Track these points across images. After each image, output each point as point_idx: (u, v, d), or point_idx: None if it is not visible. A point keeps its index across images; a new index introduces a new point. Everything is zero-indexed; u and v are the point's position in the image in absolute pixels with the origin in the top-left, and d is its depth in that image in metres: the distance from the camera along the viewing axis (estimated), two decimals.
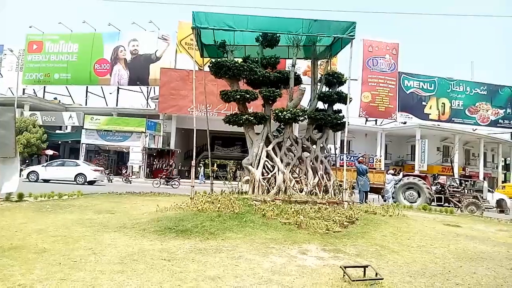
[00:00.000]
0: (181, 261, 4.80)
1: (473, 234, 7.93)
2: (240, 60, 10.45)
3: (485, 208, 14.70)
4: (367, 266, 4.48)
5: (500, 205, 14.98)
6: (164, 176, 24.55)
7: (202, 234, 6.27)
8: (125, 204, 10.28)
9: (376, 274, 4.34)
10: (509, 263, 5.60)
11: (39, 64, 38.57)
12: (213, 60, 10.17)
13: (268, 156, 9.79)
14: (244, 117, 9.88)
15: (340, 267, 4.51)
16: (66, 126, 35.97)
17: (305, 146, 10.43)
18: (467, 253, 6.10)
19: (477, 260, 5.67)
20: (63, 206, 9.21)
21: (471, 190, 16.58)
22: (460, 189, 16.78)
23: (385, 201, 17.05)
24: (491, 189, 19.98)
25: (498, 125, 43.17)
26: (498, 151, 43.85)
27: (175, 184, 23.40)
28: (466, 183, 17.66)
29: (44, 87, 40.49)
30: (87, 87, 40.37)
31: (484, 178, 35.11)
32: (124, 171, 30.14)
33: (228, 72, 9.79)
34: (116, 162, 36.76)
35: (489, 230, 8.93)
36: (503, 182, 42.21)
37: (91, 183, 21.23)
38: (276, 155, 9.79)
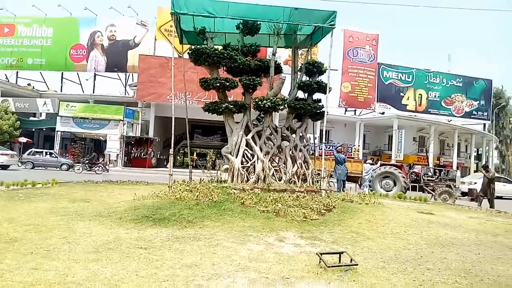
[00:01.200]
0: (158, 249, 4.77)
1: (445, 221, 8.19)
2: (220, 47, 10.32)
3: (457, 196, 15.21)
4: (342, 253, 4.56)
5: (471, 194, 15.49)
6: (86, 161, 23.36)
7: (180, 222, 6.24)
8: (101, 192, 10.12)
9: (351, 260, 4.43)
10: (477, 249, 5.82)
11: (11, 48, 37.01)
12: (193, 47, 10.00)
13: (247, 144, 9.77)
14: (223, 106, 9.80)
15: (316, 253, 4.57)
16: (41, 113, 34.88)
17: (284, 135, 10.45)
18: (438, 240, 6.29)
19: (448, 246, 5.87)
20: (36, 195, 8.99)
21: (445, 179, 17.10)
22: (434, 178, 17.27)
23: (361, 188, 17.34)
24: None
25: (472, 116, 44.50)
26: (471, 141, 45.23)
27: (98, 169, 22.50)
28: (440, 172, 18.22)
29: (17, 72, 38.95)
30: (62, 73, 39.11)
31: (457, 168, 36.20)
32: (101, 160, 29.58)
33: (207, 59, 9.65)
34: (92, 150, 35.98)
35: (460, 217, 9.24)
36: (475, 171, 43.60)
37: (4, 167, 20.80)
38: (256, 144, 9.78)
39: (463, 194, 15.97)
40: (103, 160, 29.17)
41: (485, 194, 13.63)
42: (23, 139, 31.06)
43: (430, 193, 15.72)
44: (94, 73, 38.21)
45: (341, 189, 14.34)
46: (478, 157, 49.72)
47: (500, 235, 7.07)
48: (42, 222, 6.01)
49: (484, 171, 14.38)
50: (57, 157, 25.47)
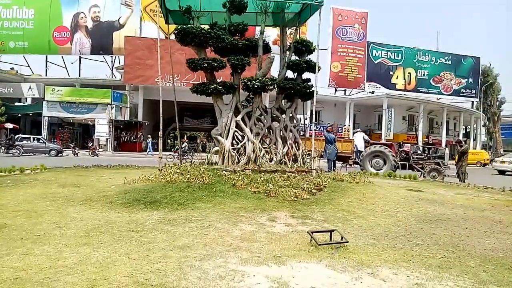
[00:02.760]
0: (150, 232, 4.77)
1: (433, 198, 8.33)
2: (206, 27, 10.11)
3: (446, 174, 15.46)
4: (333, 231, 4.60)
5: None
6: (3, 142, 22.83)
7: (171, 205, 6.23)
8: (91, 177, 10.03)
9: (342, 238, 4.49)
10: (465, 224, 5.93)
11: None
12: (179, 27, 9.78)
13: (237, 126, 9.71)
14: (212, 87, 9.66)
15: (308, 232, 4.61)
16: (26, 98, 34.19)
17: (274, 115, 10.39)
18: (427, 216, 6.40)
19: (436, 222, 5.97)
20: (25, 181, 8.88)
21: (434, 157, 17.34)
22: (423, 156, 17.51)
23: (361, 166, 17.27)
24: None
25: (460, 94, 44.90)
26: (459, 119, 45.77)
27: (16, 152, 22.01)
28: (429, 150, 18.45)
29: None
30: (46, 56, 38.20)
31: (446, 146, 36.70)
32: (90, 144, 29.31)
33: (194, 39, 9.46)
34: (81, 135, 35.58)
35: (449, 194, 9.40)
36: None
37: None
38: (246, 125, 9.72)
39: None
40: (92, 144, 28.90)
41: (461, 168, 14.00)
42: (9, 125, 30.53)
43: (420, 171, 15.95)
44: (79, 56, 37.39)
45: (332, 169, 14.45)
46: (467, 134, 50.44)
47: (487, 210, 7.22)
48: (32, 208, 5.95)
49: (458, 146, 14.69)
50: (45, 143, 25.14)
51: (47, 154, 23.76)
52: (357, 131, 20.20)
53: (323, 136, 17.61)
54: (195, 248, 4.17)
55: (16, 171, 10.65)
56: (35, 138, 25.38)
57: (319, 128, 34.73)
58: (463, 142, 15.13)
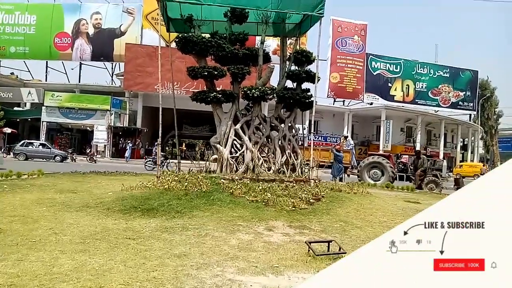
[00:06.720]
0: (147, 239, 4.74)
1: None
2: (207, 35, 10.18)
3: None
4: (331, 241, 4.59)
5: (457, 183, 15.76)
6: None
7: (168, 212, 6.20)
8: (89, 183, 9.99)
9: (340, 248, 4.47)
10: None
11: None
12: (180, 35, 9.85)
13: (236, 134, 9.72)
14: (212, 95, 9.70)
15: (305, 242, 4.59)
16: (25, 103, 34.18)
17: (273, 125, 10.42)
18: None
19: None
20: (22, 186, 8.83)
21: (432, 169, 17.34)
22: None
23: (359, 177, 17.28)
24: None
25: (458, 107, 45.11)
26: (457, 132, 45.86)
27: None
28: (427, 162, 18.46)
29: None
30: (47, 62, 38.26)
31: (443, 158, 36.74)
32: (88, 151, 29.24)
33: (195, 47, 9.52)
34: (79, 141, 35.48)
35: None
36: (461, 161, 44.37)
37: None
38: (245, 134, 9.73)
39: None
40: (90, 151, 28.84)
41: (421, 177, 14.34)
42: (7, 130, 30.46)
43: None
44: (80, 62, 37.48)
45: (336, 177, 14.52)
46: (464, 147, 50.52)
47: None
48: (28, 213, 5.91)
49: (416, 157, 15.02)
50: (50, 148, 25.13)
51: (52, 160, 23.70)
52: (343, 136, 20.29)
53: (332, 152, 17.77)
54: (192, 256, 4.14)
55: (13, 176, 10.60)
56: (40, 144, 25.40)
57: (318, 138, 34.76)
58: (421, 155, 15.42)
